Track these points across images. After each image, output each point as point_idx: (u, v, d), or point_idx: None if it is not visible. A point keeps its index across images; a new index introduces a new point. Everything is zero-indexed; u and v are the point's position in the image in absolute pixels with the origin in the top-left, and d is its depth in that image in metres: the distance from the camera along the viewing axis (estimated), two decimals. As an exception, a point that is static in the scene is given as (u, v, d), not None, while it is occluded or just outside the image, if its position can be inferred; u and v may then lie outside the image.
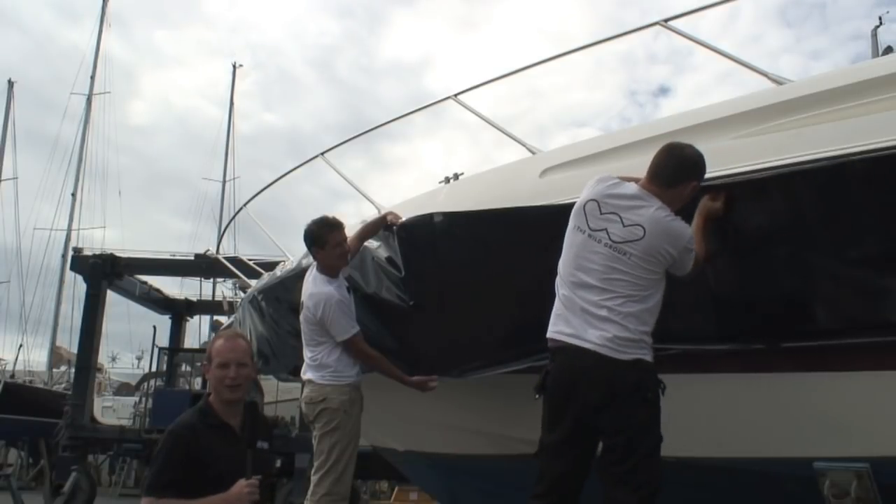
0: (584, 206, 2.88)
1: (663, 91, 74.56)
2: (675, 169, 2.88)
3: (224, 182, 30.99)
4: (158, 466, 2.57)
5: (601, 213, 2.83)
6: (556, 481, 2.82)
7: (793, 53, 65.35)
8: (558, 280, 2.90)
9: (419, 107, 4.77)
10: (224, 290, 14.18)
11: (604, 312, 2.72)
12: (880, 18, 10.92)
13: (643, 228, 2.76)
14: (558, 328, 2.84)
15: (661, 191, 2.85)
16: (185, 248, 26.40)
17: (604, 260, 2.77)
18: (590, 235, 2.82)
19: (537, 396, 2.89)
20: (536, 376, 2.94)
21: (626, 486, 2.64)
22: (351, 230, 4.01)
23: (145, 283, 16.36)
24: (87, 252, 16.64)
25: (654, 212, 2.79)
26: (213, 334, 15.91)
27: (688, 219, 2.93)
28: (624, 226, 2.78)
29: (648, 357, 2.76)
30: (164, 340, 17.55)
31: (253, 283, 6.06)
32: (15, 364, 22.68)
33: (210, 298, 17.27)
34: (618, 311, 2.72)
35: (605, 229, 2.79)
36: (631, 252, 2.75)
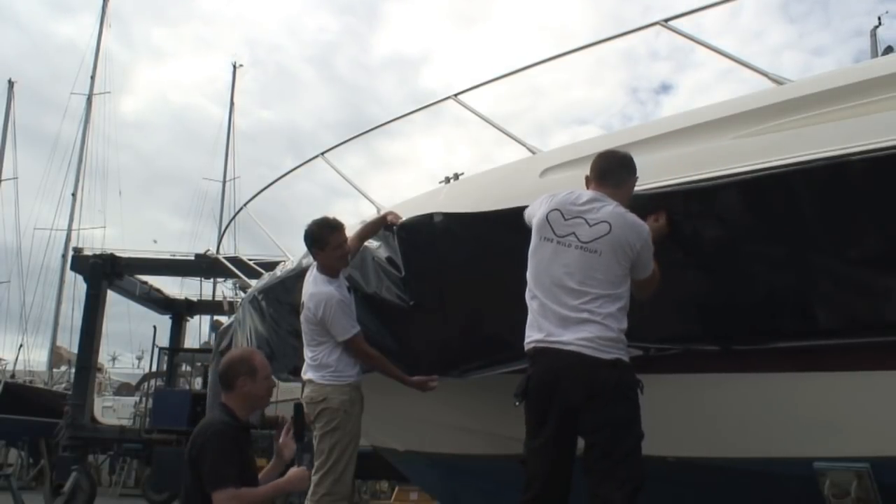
0: (547, 216, 2.98)
1: (665, 88, 74.62)
2: (620, 169, 3.08)
3: (224, 182, 31.01)
4: (221, 461, 2.72)
5: (565, 220, 2.94)
6: (545, 484, 2.85)
7: (795, 50, 65.33)
8: (529, 291, 2.98)
9: (419, 107, 4.77)
10: (224, 290, 14.22)
11: (584, 315, 2.80)
12: (879, 18, 10.95)
13: (608, 224, 2.88)
14: (536, 335, 2.90)
15: (612, 191, 3.01)
16: (184, 247, 26.41)
17: (578, 262, 2.86)
18: (559, 242, 2.92)
19: (517, 403, 2.93)
20: None
21: (611, 482, 2.69)
22: (351, 230, 4.01)
23: (145, 283, 16.35)
24: (87, 252, 16.65)
25: (614, 208, 2.93)
26: (214, 334, 15.94)
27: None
28: (590, 226, 2.89)
29: (626, 357, 2.84)
30: (164, 340, 17.55)
31: (253, 283, 6.06)
32: (15, 364, 22.71)
33: (210, 298, 17.29)
34: (598, 311, 2.80)
35: (573, 233, 2.90)
36: (601, 249, 2.85)
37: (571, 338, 2.77)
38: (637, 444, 2.78)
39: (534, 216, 3.07)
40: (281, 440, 3.11)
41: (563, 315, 2.83)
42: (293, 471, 2.97)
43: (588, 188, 3.08)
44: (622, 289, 2.88)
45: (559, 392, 2.79)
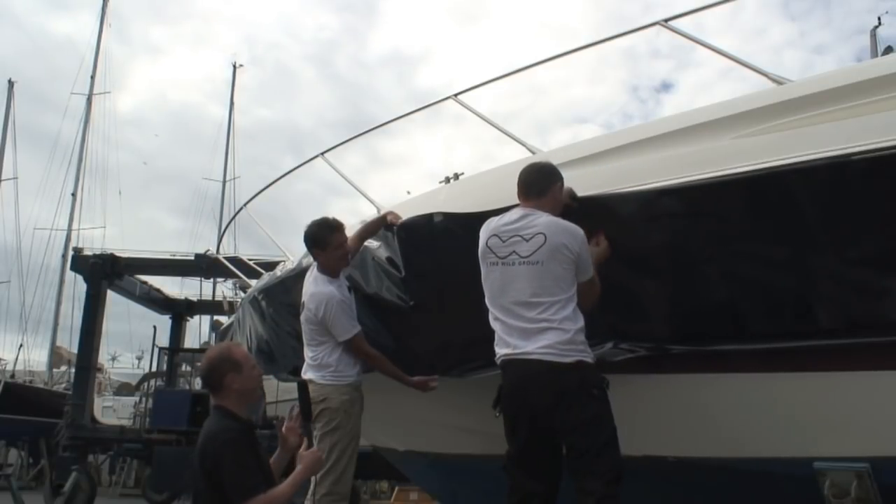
0: (487, 243, 3.16)
1: (665, 87, 74.36)
2: (540, 178, 3.23)
3: (224, 182, 31.01)
4: (242, 471, 2.68)
5: (504, 242, 3.10)
6: (527, 491, 2.99)
7: (796, 48, 65.08)
8: (490, 315, 3.13)
9: (419, 106, 4.76)
10: (224, 290, 14.20)
11: (544, 324, 2.94)
12: (879, 18, 10.97)
13: (543, 235, 3.02)
14: (503, 350, 3.05)
15: (538, 202, 3.17)
16: (183, 247, 26.40)
17: (525, 276, 3.01)
18: (503, 263, 3.08)
19: (497, 414, 3.07)
20: None
21: (592, 475, 2.82)
22: (351, 230, 4.01)
23: (145, 283, 16.35)
24: (87, 252, 16.64)
25: (546, 219, 3.08)
26: (214, 334, 15.94)
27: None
28: (527, 241, 3.04)
29: (589, 358, 2.98)
30: (164, 340, 17.55)
31: (253, 283, 6.05)
32: (15, 364, 22.65)
33: (210, 298, 17.26)
34: (554, 318, 2.94)
35: (514, 252, 3.06)
36: (542, 259, 2.99)
37: (534, 347, 2.93)
38: (611, 437, 2.89)
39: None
40: (285, 426, 3.03)
41: (524, 328, 2.98)
42: (305, 455, 2.90)
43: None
44: (572, 291, 3.03)
45: (527, 399, 2.95)
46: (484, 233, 3.20)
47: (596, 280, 3.13)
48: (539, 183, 3.22)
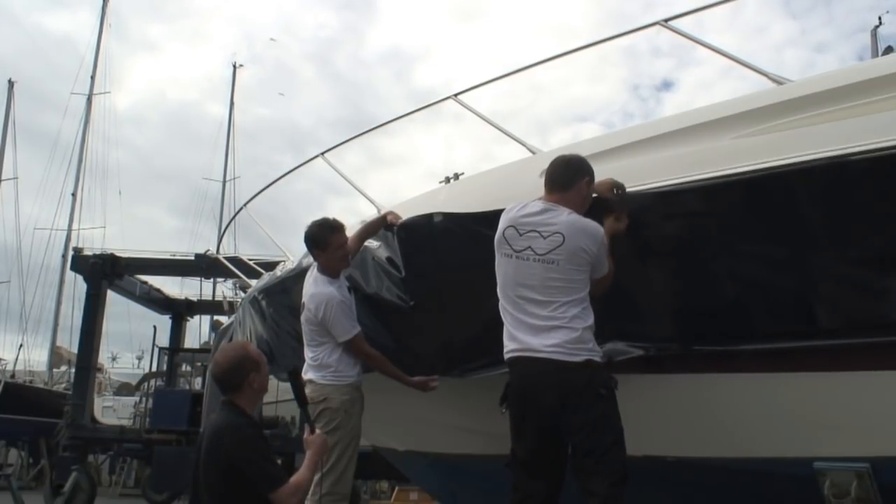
0: (504, 233, 3.10)
1: (666, 85, 74.10)
2: (566, 171, 3.15)
3: (224, 182, 31.02)
4: (266, 463, 2.77)
5: (520, 235, 3.05)
6: (531, 489, 2.98)
7: (797, 46, 64.90)
8: (501, 305, 3.10)
9: (419, 106, 4.76)
10: (224, 290, 14.22)
11: (554, 322, 2.92)
12: (880, 18, 10.97)
13: (562, 234, 2.98)
14: (511, 345, 3.03)
15: (561, 196, 3.10)
16: (183, 246, 26.41)
17: (538, 273, 2.97)
18: (517, 257, 3.03)
19: (503, 411, 3.05)
20: None
21: (597, 476, 2.80)
22: (350, 230, 4.01)
23: (145, 283, 16.36)
24: (87, 252, 16.65)
25: (566, 216, 3.02)
26: (214, 334, 15.94)
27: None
28: (544, 238, 2.99)
29: (597, 357, 2.95)
30: (164, 340, 17.57)
31: (253, 283, 6.06)
32: (15, 364, 22.65)
33: (210, 298, 17.27)
34: (564, 317, 2.92)
35: (529, 247, 3.01)
36: (558, 259, 2.95)
37: (542, 345, 2.90)
38: (617, 438, 2.87)
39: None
40: (305, 436, 3.10)
41: (534, 325, 2.95)
42: (311, 440, 2.99)
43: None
44: (585, 291, 3.00)
45: (534, 398, 2.93)
46: (503, 221, 3.14)
47: (611, 266, 3.08)
48: (564, 176, 3.14)
